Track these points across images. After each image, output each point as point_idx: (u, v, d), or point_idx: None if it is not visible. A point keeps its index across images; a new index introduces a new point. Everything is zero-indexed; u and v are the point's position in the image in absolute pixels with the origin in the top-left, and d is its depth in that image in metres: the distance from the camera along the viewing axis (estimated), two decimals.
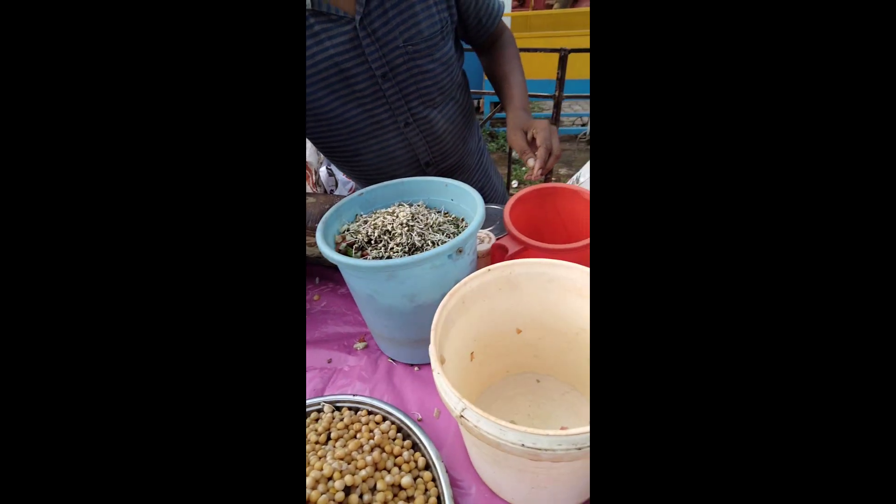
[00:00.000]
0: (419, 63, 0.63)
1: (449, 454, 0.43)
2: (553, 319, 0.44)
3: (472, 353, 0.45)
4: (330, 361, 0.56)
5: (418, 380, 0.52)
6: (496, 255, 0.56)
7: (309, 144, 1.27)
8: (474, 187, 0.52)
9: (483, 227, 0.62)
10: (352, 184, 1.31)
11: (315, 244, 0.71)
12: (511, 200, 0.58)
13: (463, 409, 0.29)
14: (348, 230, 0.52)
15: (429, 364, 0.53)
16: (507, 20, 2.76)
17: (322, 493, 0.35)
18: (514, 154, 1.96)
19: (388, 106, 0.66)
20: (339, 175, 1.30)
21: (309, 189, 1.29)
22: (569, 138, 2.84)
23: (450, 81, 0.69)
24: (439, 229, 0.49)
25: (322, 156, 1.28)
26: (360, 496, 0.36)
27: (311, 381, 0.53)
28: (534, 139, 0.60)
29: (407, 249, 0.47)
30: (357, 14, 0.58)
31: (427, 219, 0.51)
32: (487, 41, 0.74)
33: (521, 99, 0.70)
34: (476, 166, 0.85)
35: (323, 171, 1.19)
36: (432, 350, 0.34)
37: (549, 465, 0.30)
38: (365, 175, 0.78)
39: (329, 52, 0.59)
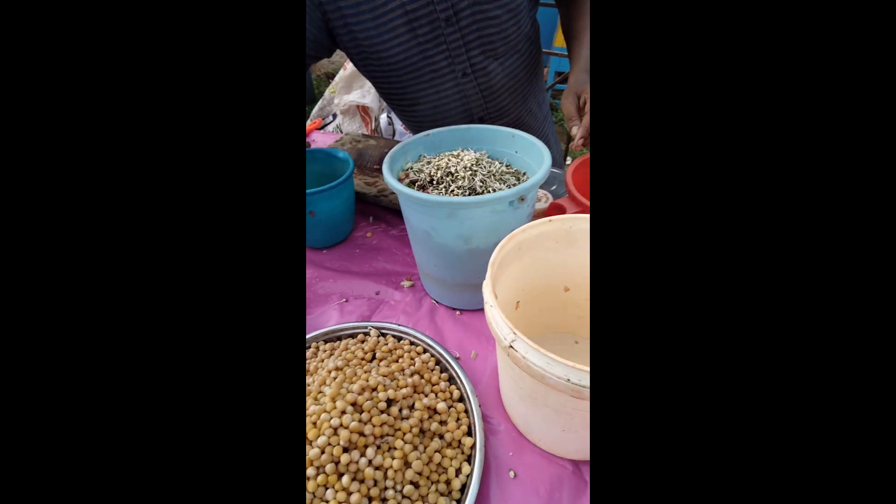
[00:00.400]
0: (485, 8, 0.61)
1: (482, 393, 0.46)
2: None
3: (517, 303, 0.46)
4: (378, 293, 0.58)
5: (459, 323, 0.54)
6: (553, 215, 0.55)
7: (372, 89, 1.28)
8: None
9: (542, 188, 0.61)
10: (408, 134, 1.31)
11: (373, 183, 0.73)
12: (574, 162, 0.56)
13: (513, 340, 0.30)
14: (412, 168, 0.53)
15: (470, 310, 0.55)
16: None
17: (367, 400, 0.38)
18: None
19: (447, 52, 0.64)
20: (398, 125, 1.30)
21: (368, 133, 1.31)
22: None
23: (516, 32, 0.65)
24: (501, 178, 0.49)
25: (383, 103, 1.29)
26: (400, 410, 0.39)
27: (359, 308, 0.56)
28: (585, 104, 0.56)
29: (467, 193, 0.48)
30: None
31: (490, 167, 0.50)
32: None
33: (588, 60, 0.65)
34: (536, 130, 0.81)
35: (383, 118, 1.20)
36: (487, 284, 0.35)
37: (586, 407, 0.30)
38: (419, 126, 0.77)
39: None
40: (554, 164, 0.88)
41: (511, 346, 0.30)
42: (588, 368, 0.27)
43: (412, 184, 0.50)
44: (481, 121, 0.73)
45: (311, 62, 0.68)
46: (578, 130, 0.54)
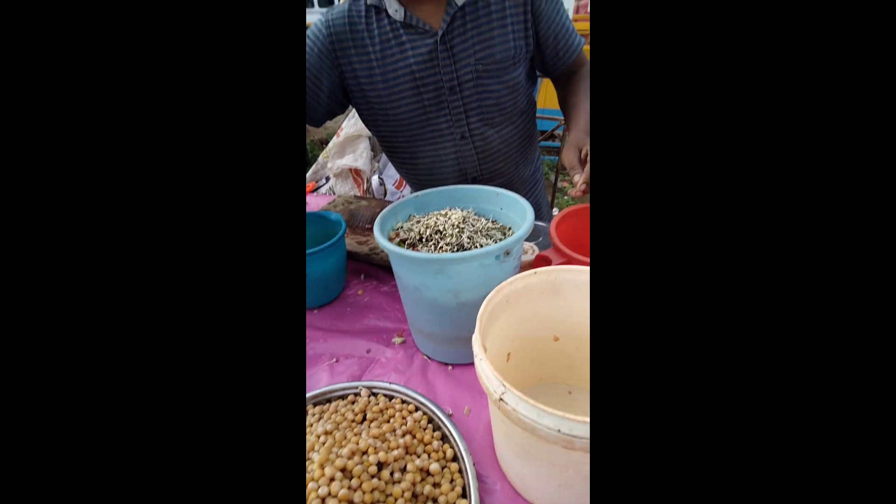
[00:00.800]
0: (486, 82, 0.68)
1: (476, 450, 0.44)
2: None
3: (508, 354, 0.46)
4: (368, 352, 0.58)
5: (451, 378, 0.53)
6: (539, 266, 0.57)
7: (363, 154, 1.35)
8: None
9: (528, 240, 0.64)
10: (399, 193, 1.37)
11: (365, 242, 0.75)
12: (558, 215, 0.59)
13: (503, 393, 0.30)
14: (402, 228, 0.55)
15: (462, 364, 0.55)
16: None
17: (357, 464, 0.36)
18: (557, 183, 1.97)
19: (449, 116, 0.70)
20: (390, 185, 1.36)
21: (360, 194, 1.36)
22: None
23: (513, 105, 0.72)
24: (487, 234, 0.52)
25: (375, 165, 1.35)
26: (391, 473, 0.38)
27: (350, 367, 0.56)
28: (586, 157, 0.61)
29: (455, 249, 0.50)
30: (440, 29, 0.64)
31: (477, 223, 0.53)
32: (563, 74, 0.76)
33: (588, 122, 0.70)
34: (526, 192, 0.87)
35: (375, 179, 1.26)
36: (476, 338, 0.36)
37: (580, 460, 0.30)
38: (417, 179, 0.82)
39: (409, 61, 0.65)
40: (542, 218, 0.92)
41: (501, 399, 0.30)
42: (579, 418, 0.27)
43: (402, 242, 0.52)
44: (474, 180, 0.78)
45: (327, 118, 0.74)
46: (580, 177, 0.57)
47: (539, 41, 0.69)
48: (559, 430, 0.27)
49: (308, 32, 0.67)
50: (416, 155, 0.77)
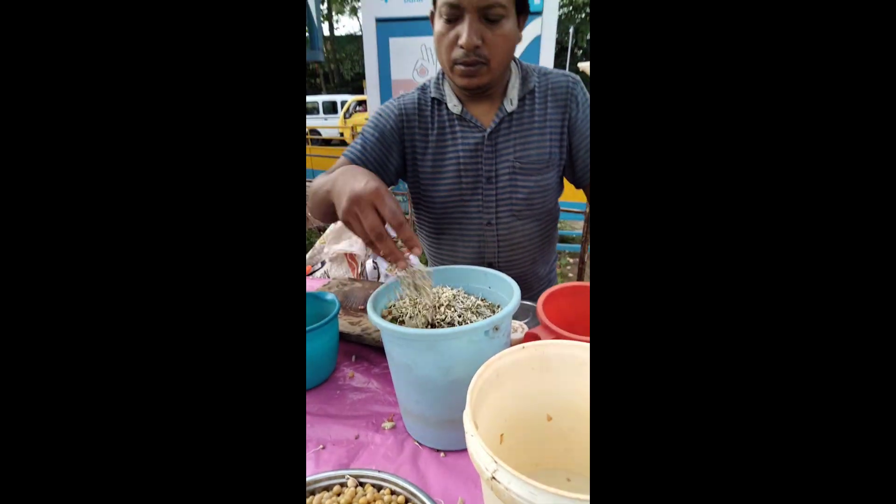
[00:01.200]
0: (519, 178, 0.76)
1: None
2: (585, 407, 0.44)
3: (501, 435, 0.45)
4: (357, 437, 0.56)
5: (443, 466, 0.50)
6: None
7: (358, 240, 1.41)
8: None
9: (517, 319, 0.65)
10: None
11: (357, 323, 0.76)
12: (545, 294, 0.61)
13: (495, 471, 0.29)
14: (394, 306, 0.57)
15: (455, 451, 0.52)
16: None
17: None
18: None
19: (481, 203, 0.78)
20: (383, 268, 1.39)
21: (354, 277, 1.38)
22: None
23: (541, 204, 0.80)
24: (477, 311, 0.53)
25: (369, 250, 1.40)
26: None
27: (336, 455, 0.53)
28: None
29: (446, 326, 0.51)
30: (489, 127, 0.74)
31: (466, 301, 0.55)
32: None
33: None
34: (539, 290, 0.89)
35: (369, 263, 1.30)
36: (467, 413, 0.35)
37: None
38: (439, 255, 0.88)
39: (458, 149, 0.75)
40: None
41: (493, 478, 0.29)
42: (577, 496, 0.26)
43: (394, 320, 0.53)
44: (490, 265, 0.83)
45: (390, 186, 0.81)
46: None
47: (571, 153, 0.78)
48: None
49: (382, 110, 0.78)
50: (443, 232, 0.83)
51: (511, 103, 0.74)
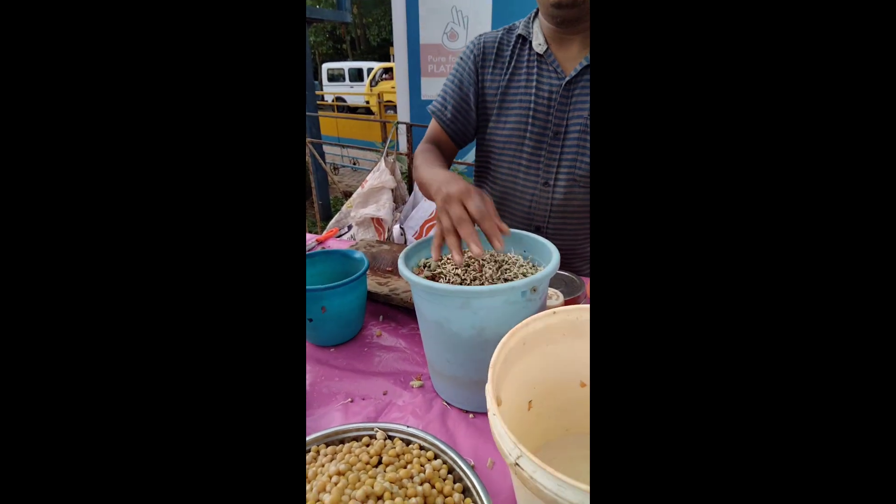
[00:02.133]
0: (587, 140, 0.70)
1: None
2: None
3: (529, 402, 0.43)
4: (385, 394, 0.55)
5: (472, 427, 0.50)
6: None
7: (386, 204, 1.39)
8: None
9: (554, 287, 0.63)
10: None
11: (385, 283, 0.75)
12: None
13: (518, 457, 0.27)
14: (427, 264, 0.55)
15: (484, 413, 0.51)
16: None
17: None
18: None
19: (543, 159, 0.73)
20: (410, 235, 1.38)
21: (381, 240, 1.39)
22: None
23: None
24: (520, 269, 0.51)
25: (397, 215, 1.39)
26: None
27: (365, 409, 0.53)
28: None
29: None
30: (569, 75, 0.69)
31: (507, 256, 0.53)
32: None
33: None
34: (580, 269, 0.84)
35: (396, 228, 1.28)
36: (489, 389, 0.34)
37: None
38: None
39: (531, 93, 0.71)
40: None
41: (517, 464, 0.27)
42: None
43: (428, 277, 0.52)
44: (538, 230, 0.78)
45: (471, 138, 0.80)
46: None
47: None
48: None
49: (463, 53, 0.76)
50: (497, 181, 0.80)
51: None
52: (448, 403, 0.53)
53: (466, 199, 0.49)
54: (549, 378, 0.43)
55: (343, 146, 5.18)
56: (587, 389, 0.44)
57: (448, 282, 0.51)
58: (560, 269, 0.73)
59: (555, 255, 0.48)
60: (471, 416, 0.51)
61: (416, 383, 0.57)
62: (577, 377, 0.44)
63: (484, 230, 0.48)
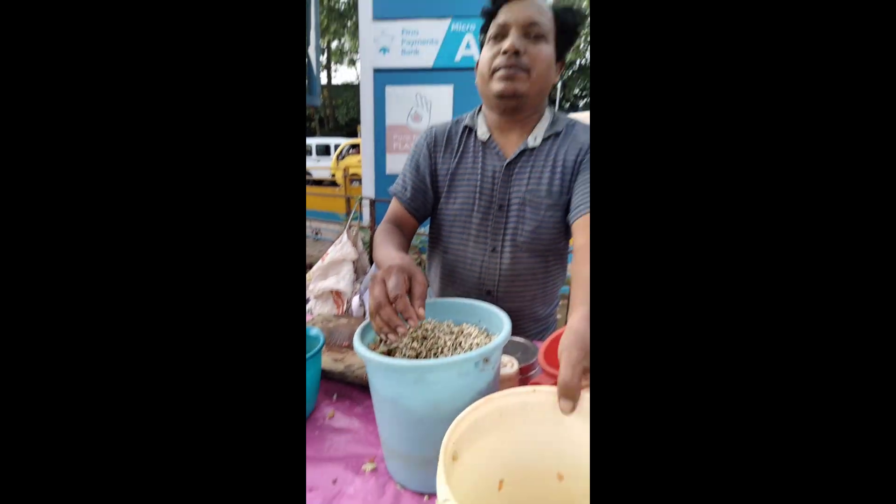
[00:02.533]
0: (528, 211, 0.79)
1: None
2: None
3: (501, 481, 0.41)
4: (335, 482, 0.52)
5: None
6: (520, 384, 0.56)
7: (346, 276, 1.39)
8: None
9: (508, 353, 0.64)
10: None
11: (341, 360, 0.73)
12: (547, 341, 0.60)
13: None
14: (383, 340, 0.55)
15: None
16: None
17: None
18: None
19: (489, 228, 0.81)
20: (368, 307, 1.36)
21: (339, 314, 1.35)
22: None
23: (547, 241, 0.81)
24: (475, 340, 0.52)
25: (356, 286, 1.38)
26: None
27: (313, 502, 0.49)
28: (586, 374, 0.43)
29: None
30: (509, 158, 0.79)
31: (454, 328, 0.54)
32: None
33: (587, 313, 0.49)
34: (535, 332, 0.89)
35: (355, 300, 1.27)
36: (440, 475, 0.31)
37: None
38: (442, 272, 0.89)
39: (477, 174, 0.80)
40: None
41: None
42: None
43: (383, 353, 0.52)
44: (489, 293, 0.84)
45: (428, 214, 0.88)
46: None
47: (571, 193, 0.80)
48: None
49: (416, 141, 0.87)
50: (448, 251, 0.86)
51: (535, 140, 0.79)
52: (402, 486, 0.50)
53: (387, 279, 0.52)
54: (524, 462, 0.41)
55: (307, 219, 5.23)
56: (564, 484, 0.41)
57: (403, 356, 0.51)
58: (514, 332, 0.76)
59: (506, 325, 0.50)
60: (426, 498, 0.49)
61: (368, 466, 0.54)
62: (554, 467, 0.41)
63: (399, 310, 0.51)
